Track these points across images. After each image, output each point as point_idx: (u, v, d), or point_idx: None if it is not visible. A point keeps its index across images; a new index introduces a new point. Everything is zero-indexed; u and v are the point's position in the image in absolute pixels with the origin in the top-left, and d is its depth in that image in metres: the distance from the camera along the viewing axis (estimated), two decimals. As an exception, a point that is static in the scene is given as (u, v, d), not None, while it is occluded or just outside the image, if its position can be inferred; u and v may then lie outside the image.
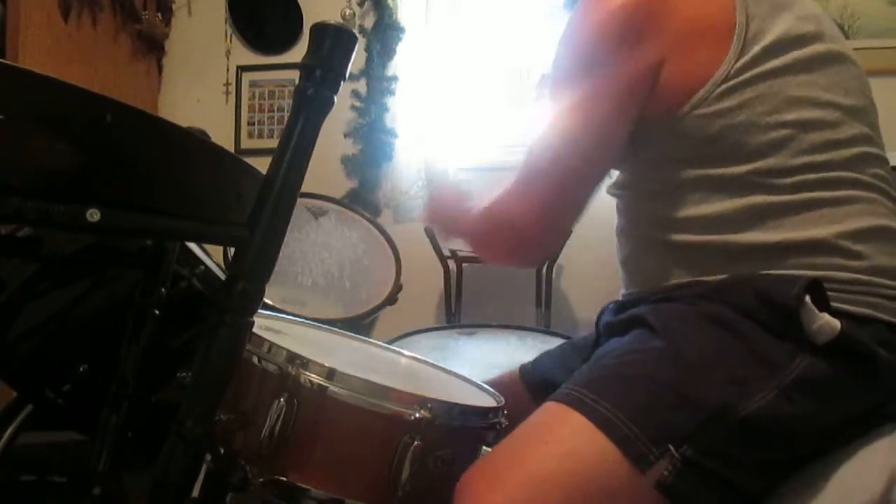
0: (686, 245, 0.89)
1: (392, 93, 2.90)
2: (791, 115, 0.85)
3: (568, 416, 0.77)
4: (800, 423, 0.78)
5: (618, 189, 1.00)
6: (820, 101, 0.86)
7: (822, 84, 0.87)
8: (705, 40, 0.85)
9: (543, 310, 2.53)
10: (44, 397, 0.95)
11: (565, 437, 0.77)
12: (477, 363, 1.15)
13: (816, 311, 0.77)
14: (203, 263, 1.01)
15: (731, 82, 0.84)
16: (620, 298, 1.03)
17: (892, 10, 2.46)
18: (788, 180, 0.84)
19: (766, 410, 0.76)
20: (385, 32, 2.87)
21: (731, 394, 0.76)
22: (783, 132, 0.84)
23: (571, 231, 1.03)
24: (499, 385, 1.09)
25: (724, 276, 0.85)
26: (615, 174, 1.01)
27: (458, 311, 2.60)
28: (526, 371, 1.16)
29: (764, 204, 0.85)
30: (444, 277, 2.62)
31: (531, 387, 1.13)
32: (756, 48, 0.84)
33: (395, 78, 2.89)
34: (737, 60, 0.84)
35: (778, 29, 0.86)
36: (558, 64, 0.92)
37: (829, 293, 0.79)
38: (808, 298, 0.77)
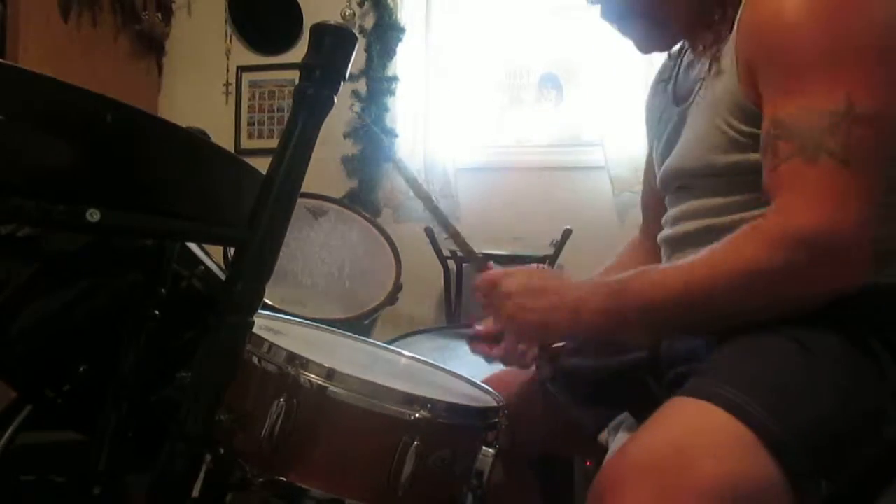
0: None
1: (392, 93, 2.89)
2: None
3: (738, 430, 0.71)
4: None
5: (711, 175, 0.91)
6: None
7: None
8: None
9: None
10: (44, 397, 0.95)
11: (739, 456, 0.70)
12: (477, 363, 1.14)
13: None
14: (203, 263, 1.01)
15: None
16: None
17: (892, 10, 2.46)
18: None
19: None
20: (385, 32, 2.87)
21: (873, 429, 0.76)
22: None
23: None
24: (503, 380, 1.08)
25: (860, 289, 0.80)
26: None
27: (458, 311, 2.60)
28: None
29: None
30: (444, 277, 2.62)
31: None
32: None
33: (395, 78, 2.89)
34: None
35: None
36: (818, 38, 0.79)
37: None
38: None
